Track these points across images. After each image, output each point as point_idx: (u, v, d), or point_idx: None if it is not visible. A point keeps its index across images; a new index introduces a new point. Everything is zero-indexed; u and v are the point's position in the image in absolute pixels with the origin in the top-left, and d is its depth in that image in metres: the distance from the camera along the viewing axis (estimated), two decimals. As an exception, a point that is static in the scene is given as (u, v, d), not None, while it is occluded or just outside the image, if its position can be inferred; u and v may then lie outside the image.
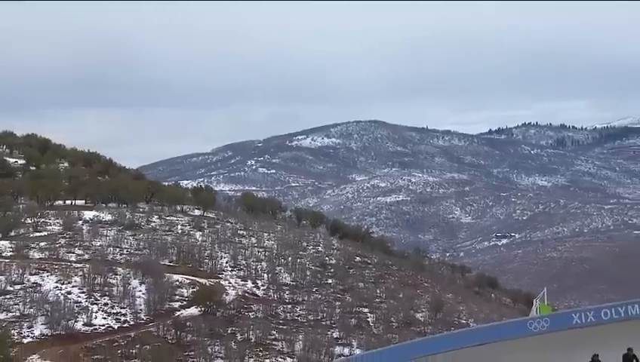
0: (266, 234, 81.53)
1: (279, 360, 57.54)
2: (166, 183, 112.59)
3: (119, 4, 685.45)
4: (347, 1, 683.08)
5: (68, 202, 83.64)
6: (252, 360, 56.77)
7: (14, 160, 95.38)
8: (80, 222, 76.07)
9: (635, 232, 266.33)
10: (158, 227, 78.12)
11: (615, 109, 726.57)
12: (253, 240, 79.17)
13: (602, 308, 28.27)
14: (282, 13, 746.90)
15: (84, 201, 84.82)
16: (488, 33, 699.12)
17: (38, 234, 72.08)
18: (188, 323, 58.85)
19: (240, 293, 66.79)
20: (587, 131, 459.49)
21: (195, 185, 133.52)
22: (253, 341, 59.27)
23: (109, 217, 78.22)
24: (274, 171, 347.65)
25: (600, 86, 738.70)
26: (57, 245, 69.14)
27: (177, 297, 63.18)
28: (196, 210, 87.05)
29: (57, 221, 75.29)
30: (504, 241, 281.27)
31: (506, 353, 27.71)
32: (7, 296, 58.26)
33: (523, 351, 27.66)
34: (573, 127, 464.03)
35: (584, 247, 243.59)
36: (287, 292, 69.24)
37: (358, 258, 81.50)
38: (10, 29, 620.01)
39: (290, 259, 75.32)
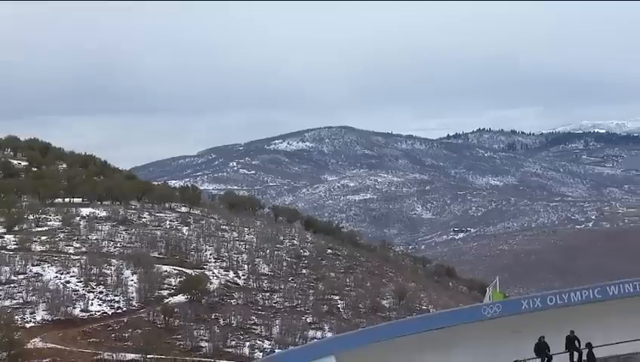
0: (246, 229, 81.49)
1: (258, 342, 57.58)
2: (156, 183, 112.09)
3: (114, 19, 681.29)
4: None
5: (67, 200, 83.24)
6: (234, 342, 56.80)
7: (18, 162, 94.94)
8: (77, 218, 75.81)
9: (577, 227, 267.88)
10: (148, 222, 77.95)
11: (560, 117, 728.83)
12: (235, 234, 79.13)
13: (548, 294, 28.35)
14: (262, 30, 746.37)
15: (81, 199, 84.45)
16: (448, 47, 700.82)
17: (39, 228, 71.82)
18: (175, 310, 58.87)
19: (223, 282, 66.80)
20: (535, 136, 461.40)
21: (182, 184, 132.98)
22: (234, 325, 59.36)
23: (103, 214, 77.93)
24: (254, 172, 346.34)
25: (547, 96, 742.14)
26: (57, 239, 68.95)
27: (166, 286, 63.13)
28: (183, 207, 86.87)
29: (57, 217, 75.00)
30: (461, 235, 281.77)
31: (460, 337, 27.72)
32: (12, 285, 58.11)
33: (477, 335, 27.71)
34: (522, 132, 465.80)
35: (532, 240, 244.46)
36: (265, 281, 69.29)
37: (329, 250, 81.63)
38: (12, 41, 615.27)
39: (268, 251, 75.35)
